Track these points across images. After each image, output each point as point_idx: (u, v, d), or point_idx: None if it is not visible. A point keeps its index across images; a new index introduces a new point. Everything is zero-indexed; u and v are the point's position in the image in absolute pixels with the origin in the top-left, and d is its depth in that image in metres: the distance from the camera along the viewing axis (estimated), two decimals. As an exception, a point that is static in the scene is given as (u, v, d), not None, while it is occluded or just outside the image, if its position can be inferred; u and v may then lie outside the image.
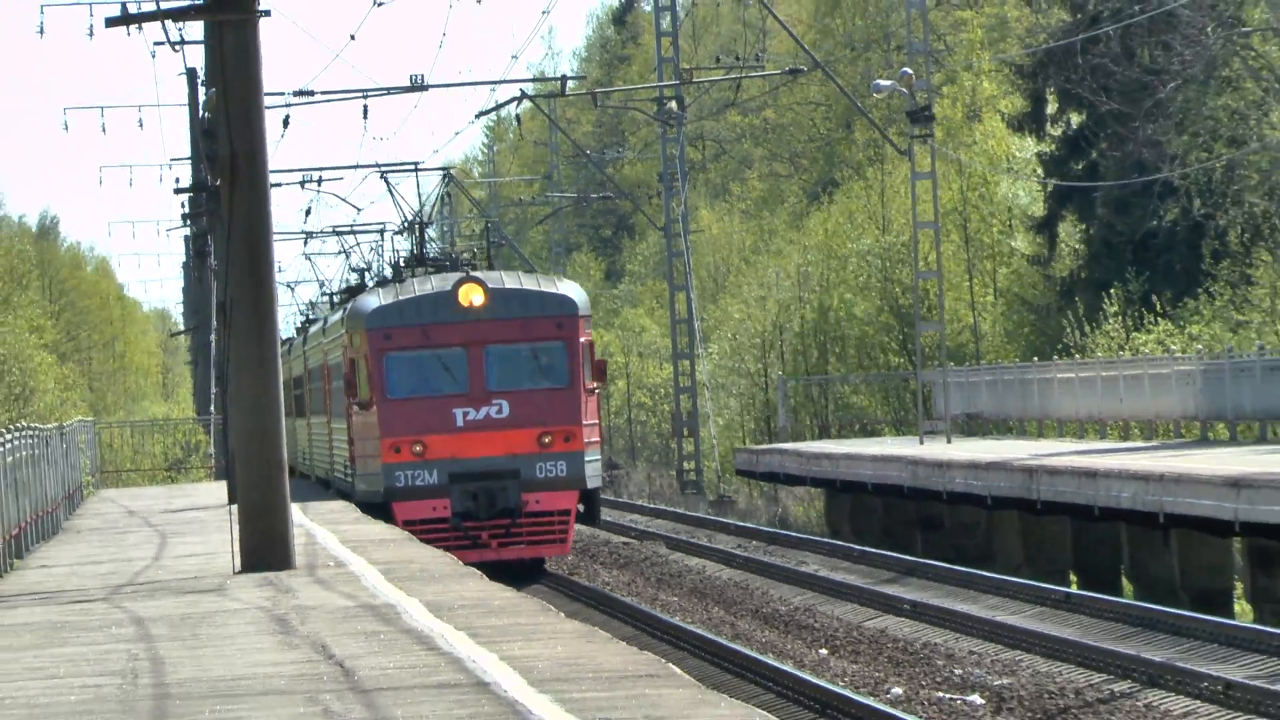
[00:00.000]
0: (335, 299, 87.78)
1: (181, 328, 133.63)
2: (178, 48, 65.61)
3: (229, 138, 39.32)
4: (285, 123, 78.26)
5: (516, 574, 45.87)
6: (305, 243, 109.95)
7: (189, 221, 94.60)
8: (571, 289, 54.19)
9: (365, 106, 79.28)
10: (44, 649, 28.43)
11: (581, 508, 54.28)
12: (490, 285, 52.70)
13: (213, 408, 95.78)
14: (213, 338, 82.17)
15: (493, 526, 51.51)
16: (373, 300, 53.81)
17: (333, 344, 62.58)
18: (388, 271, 71.78)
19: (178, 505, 68.72)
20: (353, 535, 48.14)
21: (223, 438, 77.42)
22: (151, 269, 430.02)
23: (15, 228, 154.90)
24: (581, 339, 52.87)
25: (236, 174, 39.07)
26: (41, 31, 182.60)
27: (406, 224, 68.65)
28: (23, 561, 46.19)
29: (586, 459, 52.67)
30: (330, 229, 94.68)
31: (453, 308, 52.12)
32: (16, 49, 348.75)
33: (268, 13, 39.54)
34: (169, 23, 49.00)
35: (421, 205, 71.00)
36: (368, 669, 24.04)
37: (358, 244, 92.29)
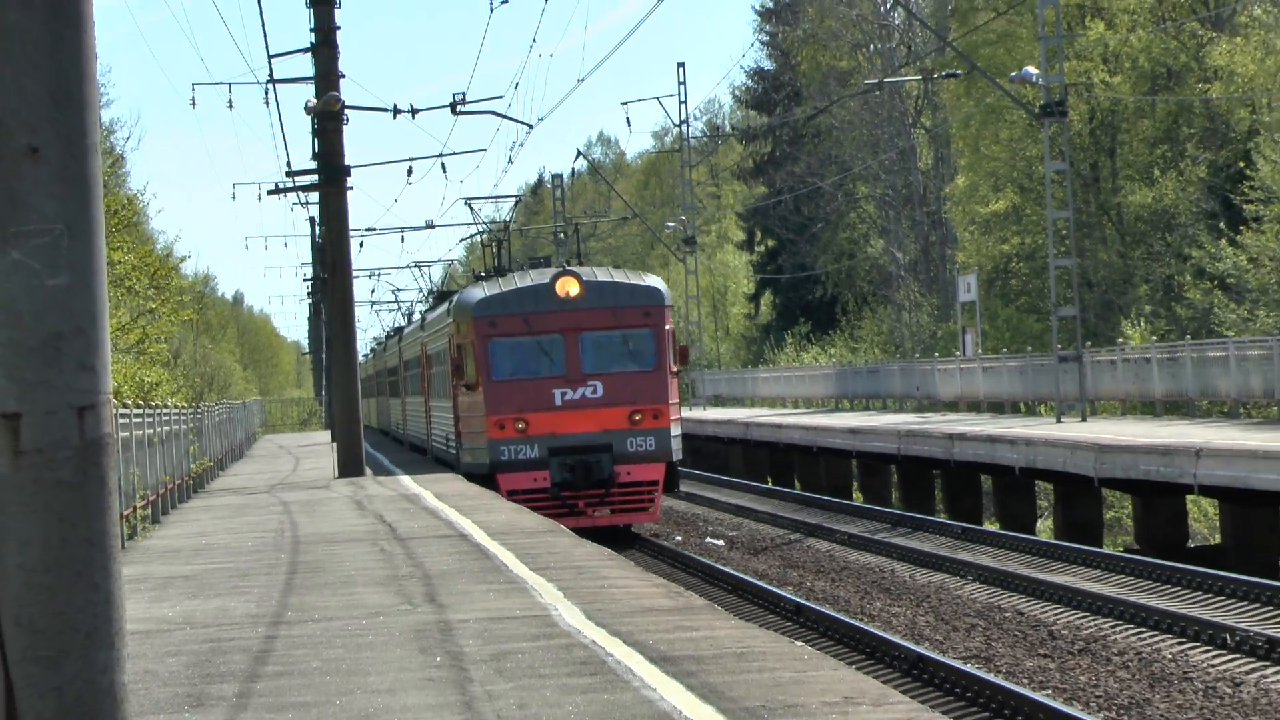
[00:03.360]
0: (425, 307, 66.75)
1: (307, 351, 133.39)
2: (305, 205, 64.96)
3: (330, 253, 39.54)
4: (360, 245, 78.72)
5: (609, 538, 31.56)
6: (370, 307, 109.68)
7: (311, 295, 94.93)
8: (656, 282, 37.13)
9: (403, 237, 79.76)
10: (234, 518, 28.40)
11: None
12: (584, 278, 36.06)
13: (323, 393, 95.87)
14: (323, 357, 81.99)
15: (588, 495, 35.09)
16: (478, 292, 36.82)
17: (432, 337, 45.24)
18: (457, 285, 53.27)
19: (305, 444, 68.47)
20: (397, 459, 48.31)
21: (328, 408, 77.61)
22: (292, 320, 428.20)
23: (220, 299, 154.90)
24: (666, 326, 36.02)
25: (335, 272, 39.26)
26: (234, 197, 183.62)
27: (491, 238, 49.90)
28: (224, 472, 46.11)
29: (672, 434, 35.65)
30: (413, 263, 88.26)
31: (551, 298, 35.73)
32: (219, 208, 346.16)
33: (352, 187, 39.90)
34: (300, 194, 49.22)
35: (506, 222, 52.38)
36: (404, 528, 23.97)
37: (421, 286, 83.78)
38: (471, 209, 52.74)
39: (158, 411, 30.22)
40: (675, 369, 35.58)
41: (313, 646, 13.18)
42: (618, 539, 33.82)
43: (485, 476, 34.99)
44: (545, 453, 34.67)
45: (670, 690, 10.56)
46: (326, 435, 71.04)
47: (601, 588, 16.15)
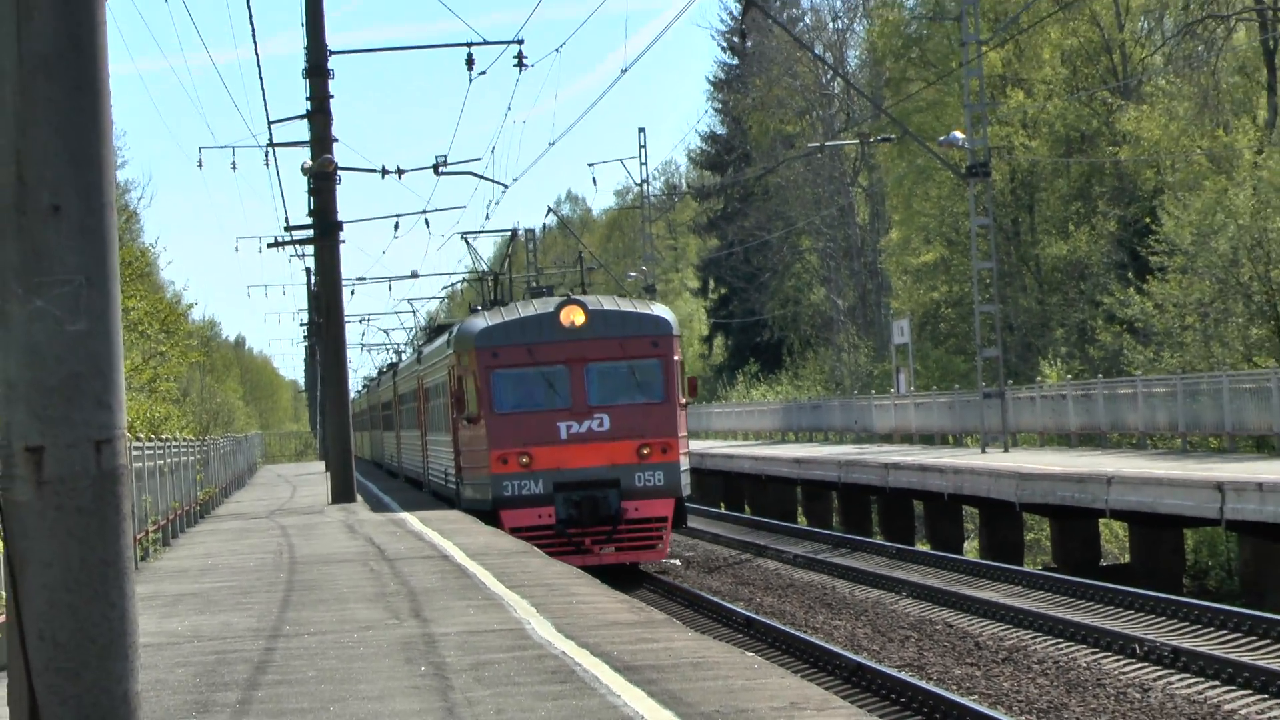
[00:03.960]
0: (418, 343, 60.97)
1: (303, 389, 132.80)
2: (302, 256, 64.58)
3: (325, 299, 39.41)
4: (352, 292, 78.45)
5: (617, 576, 28.57)
6: (361, 349, 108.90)
7: (307, 338, 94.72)
8: (664, 311, 31.51)
9: (390, 285, 79.62)
10: (237, 540, 28.32)
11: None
12: (590, 307, 30.62)
13: (318, 426, 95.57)
14: (318, 394, 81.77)
15: (594, 533, 29.76)
16: (480, 322, 31.17)
17: (429, 370, 39.76)
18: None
19: (301, 473, 68.23)
20: (383, 488, 48.11)
21: (322, 440, 77.30)
22: (290, 360, 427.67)
23: (224, 342, 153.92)
24: (675, 357, 30.76)
25: (329, 317, 39.13)
26: (236, 250, 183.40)
27: (483, 275, 44.35)
28: (227, 499, 45.95)
29: (681, 469, 30.48)
30: (406, 299, 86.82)
31: (555, 328, 30.31)
32: (223, 259, 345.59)
33: (344, 240, 39.82)
34: (298, 246, 49.01)
35: (505, 259, 45.48)
36: (391, 549, 23.88)
37: (405, 326, 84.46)
38: (468, 243, 50.29)
39: (168, 444, 30.09)
40: (684, 401, 30.90)
41: (309, 657, 13.14)
42: (624, 578, 29.74)
43: (488, 513, 30.29)
44: (550, 488, 29.86)
45: (633, 697, 10.56)
46: (321, 465, 70.79)
47: (571, 603, 16.13)
